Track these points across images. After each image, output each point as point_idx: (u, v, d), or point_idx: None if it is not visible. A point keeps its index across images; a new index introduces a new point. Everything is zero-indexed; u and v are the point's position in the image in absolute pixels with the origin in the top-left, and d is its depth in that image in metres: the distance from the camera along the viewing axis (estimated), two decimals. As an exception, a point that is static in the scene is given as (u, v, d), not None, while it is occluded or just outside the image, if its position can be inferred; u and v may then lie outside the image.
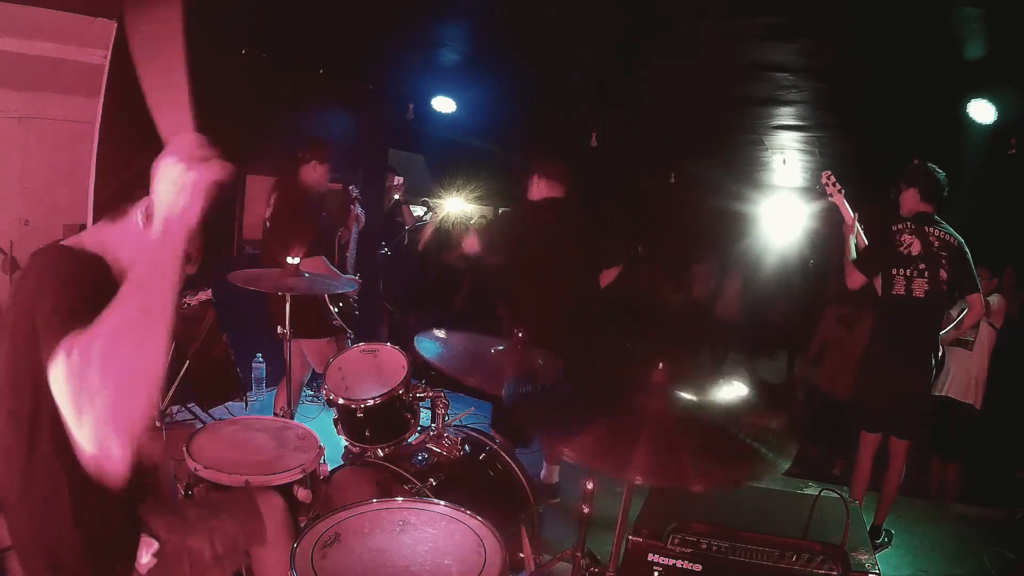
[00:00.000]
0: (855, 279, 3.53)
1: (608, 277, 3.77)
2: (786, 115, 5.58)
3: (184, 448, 2.17)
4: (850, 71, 4.37)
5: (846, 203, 3.59)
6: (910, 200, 3.45)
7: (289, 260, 3.20)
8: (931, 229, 3.35)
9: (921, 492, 4.05)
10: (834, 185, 3.58)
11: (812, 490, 2.00)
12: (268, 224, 4.02)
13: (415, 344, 2.39)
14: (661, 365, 1.58)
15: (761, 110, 5.53)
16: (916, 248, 3.33)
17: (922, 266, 3.30)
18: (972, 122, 4.56)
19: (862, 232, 3.60)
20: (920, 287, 3.30)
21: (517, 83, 5.62)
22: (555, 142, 7.61)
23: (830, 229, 8.10)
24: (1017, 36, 3.38)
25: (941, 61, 3.92)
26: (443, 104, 6.04)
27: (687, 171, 7.72)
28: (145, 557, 1.58)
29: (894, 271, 3.36)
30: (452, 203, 6.94)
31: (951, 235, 3.35)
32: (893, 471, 3.48)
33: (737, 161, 7.54)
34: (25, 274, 1.46)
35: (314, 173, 4.02)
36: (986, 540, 3.57)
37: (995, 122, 4.52)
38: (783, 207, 8.07)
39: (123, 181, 1.53)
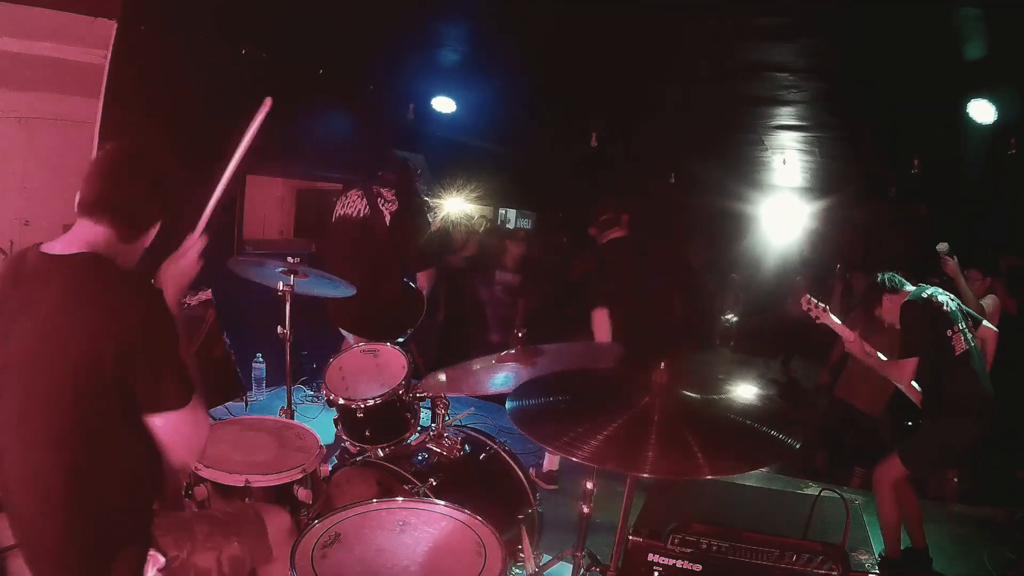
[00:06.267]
0: (907, 369, 3.16)
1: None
2: (786, 115, 5.58)
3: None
4: (850, 71, 4.37)
5: (836, 320, 3.34)
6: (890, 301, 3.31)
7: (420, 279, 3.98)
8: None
9: (921, 492, 4.04)
10: (816, 307, 3.34)
11: (812, 490, 2.00)
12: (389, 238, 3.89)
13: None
14: (663, 365, 1.59)
15: (761, 110, 5.53)
16: (948, 304, 3.19)
17: (961, 324, 3.17)
18: (972, 122, 4.56)
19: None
20: (973, 336, 3.19)
21: (517, 83, 5.62)
22: (555, 143, 7.63)
23: (829, 229, 8.14)
24: (1017, 36, 3.38)
25: (941, 61, 3.92)
26: (443, 104, 6.04)
27: (687, 171, 7.72)
28: (151, 572, 1.57)
29: (948, 332, 3.13)
30: (452, 203, 6.94)
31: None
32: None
33: (737, 161, 7.54)
34: (60, 288, 1.50)
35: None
36: (986, 540, 3.56)
37: (995, 122, 4.52)
38: (783, 207, 8.09)
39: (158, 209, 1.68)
